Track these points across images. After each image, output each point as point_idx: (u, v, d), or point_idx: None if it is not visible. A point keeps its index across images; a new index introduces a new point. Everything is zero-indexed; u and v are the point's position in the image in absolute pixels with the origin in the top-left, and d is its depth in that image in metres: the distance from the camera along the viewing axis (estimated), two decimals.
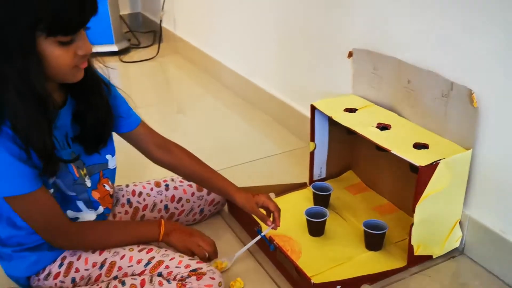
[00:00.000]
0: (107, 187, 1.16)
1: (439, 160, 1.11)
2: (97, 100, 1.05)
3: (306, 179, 1.56)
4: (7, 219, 1.04)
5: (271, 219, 1.22)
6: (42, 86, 0.89)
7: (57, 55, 0.89)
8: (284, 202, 1.44)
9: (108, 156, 1.14)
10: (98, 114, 1.06)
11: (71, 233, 1.04)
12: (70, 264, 1.08)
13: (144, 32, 3.27)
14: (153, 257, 1.07)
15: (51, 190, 1.01)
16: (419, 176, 1.10)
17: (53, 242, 1.04)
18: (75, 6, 0.86)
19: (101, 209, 1.13)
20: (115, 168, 1.18)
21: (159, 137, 1.23)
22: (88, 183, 1.11)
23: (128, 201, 1.28)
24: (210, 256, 1.15)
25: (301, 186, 1.55)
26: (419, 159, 1.11)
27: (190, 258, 1.09)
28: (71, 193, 1.06)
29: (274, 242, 1.21)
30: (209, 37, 2.57)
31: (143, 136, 1.20)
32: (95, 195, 1.13)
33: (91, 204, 1.11)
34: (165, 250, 1.10)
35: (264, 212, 1.23)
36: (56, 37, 0.87)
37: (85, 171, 1.09)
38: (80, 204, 1.09)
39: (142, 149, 1.22)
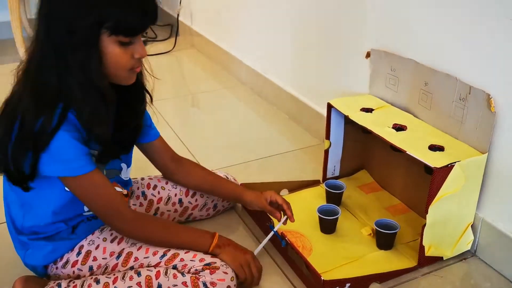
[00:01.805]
0: (118, 189, 1.18)
1: (455, 162, 1.11)
2: (139, 107, 1.12)
3: (319, 177, 1.58)
4: (26, 207, 1.07)
5: (286, 210, 1.24)
6: (101, 79, 0.95)
7: (117, 53, 0.95)
8: (297, 199, 1.46)
9: (123, 165, 1.18)
10: (137, 121, 1.13)
11: (130, 218, 1.07)
12: (88, 253, 1.11)
13: (161, 26, 3.30)
14: (169, 250, 1.09)
15: None
16: (434, 178, 1.11)
17: (113, 224, 1.07)
18: (138, 13, 0.93)
19: None
20: (128, 180, 1.21)
21: (173, 152, 1.30)
22: None
23: (143, 193, 1.31)
24: (254, 280, 1.14)
25: (314, 183, 1.56)
26: (434, 160, 1.12)
27: (205, 252, 1.10)
28: None
29: (286, 238, 1.23)
30: (226, 33, 2.59)
31: (160, 149, 1.26)
32: None
33: None
34: None
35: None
36: (117, 37, 0.93)
37: (104, 173, 1.12)
38: None
39: (156, 161, 1.28)
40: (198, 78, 2.62)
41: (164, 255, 1.08)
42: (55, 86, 0.94)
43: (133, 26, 0.94)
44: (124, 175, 1.19)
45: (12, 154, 0.96)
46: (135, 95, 1.10)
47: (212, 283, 1.04)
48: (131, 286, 1.04)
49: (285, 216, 1.24)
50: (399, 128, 1.28)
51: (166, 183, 1.34)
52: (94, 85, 0.94)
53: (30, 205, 1.07)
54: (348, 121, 1.44)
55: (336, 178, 1.56)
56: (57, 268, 1.11)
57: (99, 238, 1.11)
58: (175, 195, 1.33)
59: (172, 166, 1.29)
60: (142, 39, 1.00)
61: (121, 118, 1.06)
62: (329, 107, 1.44)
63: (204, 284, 1.04)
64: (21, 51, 2.61)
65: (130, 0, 0.92)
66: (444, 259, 1.24)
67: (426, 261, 1.22)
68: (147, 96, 1.14)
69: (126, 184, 1.21)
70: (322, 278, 1.09)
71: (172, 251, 1.09)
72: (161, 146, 1.26)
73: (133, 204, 1.28)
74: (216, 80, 2.52)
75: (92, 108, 0.95)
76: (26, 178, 0.98)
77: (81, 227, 1.12)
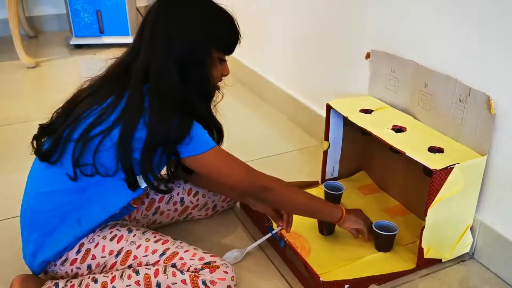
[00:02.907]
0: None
1: (454, 164, 1.11)
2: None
3: (318, 178, 1.57)
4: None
5: (283, 222, 1.24)
6: (209, 87, 1.10)
7: (217, 68, 1.10)
8: None
9: None
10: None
11: (276, 188, 1.13)
12: (88, 251, 1.10)
13: None
14: (168, 248, 1.09)
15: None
16: (433, 180, 1.10)
17: (261, 190, 1.12)
18: (237, 36, 1.12)
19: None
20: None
21: None
22: None
23: None
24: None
25: (313, 184, 1.56)
26: (434, 162, 1.12)
27: (205, 251, 1.10)
28: (143, 184, 1.10)
29: (285, 239, 1.22)
30: None
31: None
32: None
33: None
34: (180, 243, 1.12)
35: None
36: (219, 53, 1.09)
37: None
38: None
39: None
40: None
41: (163, 253, 1.08)
42: (180, 99, 1.03)
43: (233, 48, 1.12)
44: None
45: (143, 157, 1.01)
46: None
47: (212, 282, 1.04)
48: (130, 285, 1.03)
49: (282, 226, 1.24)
50: (398, 129, 1.28)
51: None
52: (206, 93, 1.10)
53: (92, 195, 1.07)
54: (347, 122, 1.44)
55: (335, 179, 1.56)
56: (55, 265, 1.11)
57: (99, 236, 1.11)
58: (177, 194, 1.33)
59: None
60: None
61: None
62: (328, 108, 1.44)
63: (204, 282, 1.04)
64: (19, 49, 2.61)
65: (235, 26, 1.11)
66: (442, 261, 1.24)
67: (424, 263, 1.22)
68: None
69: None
70: (321, 279, 1.09)
71: (172, 250, 1.08)
72: None
73: (133, 203, 1.27)
74: None
75: (207, 111, 1.12)
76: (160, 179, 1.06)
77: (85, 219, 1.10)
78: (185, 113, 1.03)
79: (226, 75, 1.14)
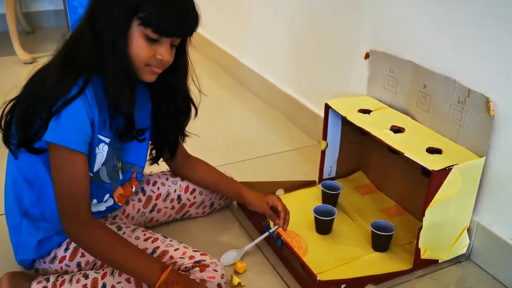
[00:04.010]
0: (133, 189, 1.21)
1: (452, 165, 1.11)
2: (182, 119, 1.18)
3: (315, 177, 1.57)
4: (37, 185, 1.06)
5: (280, 219, 1.23)
6: (126, 62, 0.97)
7: (139, 45, 0.97)
8: (292, 199, 1.45)
9: (144, 163, 1.21)
10: (176, 132, 1.20)
11: (84, 223, 0.99)
12: (76, 249, 1.09)
13: None
14: (158, 247, 1.08)
15: (90, 175, 1.03)
16: (431, 181, 1.10)
17: (65, 222, 0.99)
18: (174, 17, 0.95)
19: (110, 201, 1.16)
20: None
21: (185, 150, 1.32)
22: (120, 176, 1.15)
23: (142, 189, 1.30)
24: None
25: (310, 183, 1.56)
26: (432, 163, 1.12)
27: (194, 249, 1.10)
28: (107, 180, 1.09)
29: (282, 238, 1.22)
30: (223, 32, 2.58)
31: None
32: (118, 191, 1.16)
33: (108, 198, 1.14)
34: (170, 241, 1.11)
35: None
36: (146, 29, 0.95)
37: (119, 164, 1.14)
38: (106, 197, 1.13)
39: (168, 159, 1.30)
40: (193, 76, 2.60)
41: (153, 252, 1.08)
42: (84, 59, 0.96)
43: (163, 26, 0.95)
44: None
45: (24, 116, 0.97)
46: (181, 106, 1.15)
47: (203, 281, 1.03)
48: (120, 282, 1.03)
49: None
50: (397, 130, 1.28)
51: (166, 179, 1.33)
52: (121, 65, 0.97)
53: (42, 183, 1.05)
54: (345, 122, 1.44)
55: (332, 179, 1.55)
56: (44, 262, 1.10)
57: None
58: (175, 191, 1.32)
59: (181, 160, 1.31)
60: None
61: (162, 127, 1.16)
62: (327, 107, 1.44)
63: None
64: (16, 45, 2.59)
65: (171, 2, 0.95)
66: (439, 262, 1.24)
67: (421, 264, 1.22)
68: (193, 110, 1.18)
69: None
70: (318, 278, 1.08)
71: (162, 248, 1.08)
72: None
73: (131, 200, 1.27)
74: (213, 79, 2.51)
75: (119, 86, 0.98)
76: (30, 140, 0.98)
77: None
78: (81, 89, 0.94)
79: (161, 60, 0.99)
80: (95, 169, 1.05)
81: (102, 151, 1.04)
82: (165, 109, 1.14)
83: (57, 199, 0.99)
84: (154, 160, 1.25)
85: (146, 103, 1.14)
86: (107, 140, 1.04)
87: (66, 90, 0.93)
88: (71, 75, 0.95)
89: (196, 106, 1.19)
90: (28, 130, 0.96)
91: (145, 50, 0.97)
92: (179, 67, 1.09)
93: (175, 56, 1.03)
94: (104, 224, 1.08)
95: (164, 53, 0.98)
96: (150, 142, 1.21)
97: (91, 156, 1.02)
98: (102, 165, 1.06)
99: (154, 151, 1.24)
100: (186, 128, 1.23)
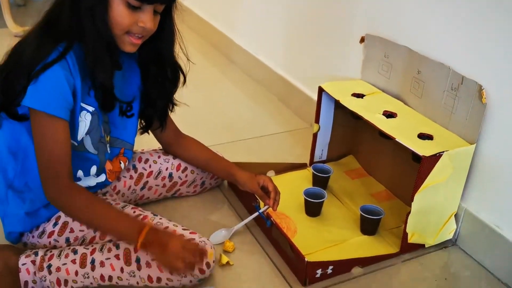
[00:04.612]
0: (122, 166, 1.20)
1: (443, 152, 1.12)
2: (171, 87, 1.16)
3: (306, 160, 1.58)
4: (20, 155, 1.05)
5: (270, 199, 1.24)
6: (106, 29, 0.95)
7: (120, 12, 0.95)
8: (283, 181, 1.46)
9: (133, 139, 1.20)
10: (165, 100, 1.18)
11: (64, 185, 0.99)
12: (65, 224, 1.09)
13: None
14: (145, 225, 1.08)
15: (75, 144, 1.03)
16: (422, 166, 1.11)
17: (45, 185, 0.99)
18: None
19: (102, 177, 1.15)
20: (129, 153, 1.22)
21: (177, 128, 1.31)
22: (108, 149, 1.14)
23: (134, 166, 1.29)
24: (197, 264, 1.01)
25: (301, 166, 1.56)
26: (423, 149, 1.12)
27: (184, 228, 1.10)
28: (94, 151, 1.08)
29: (271, 219, 1.23)
30: (218, 11, 2.55)
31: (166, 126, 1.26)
32: (107, 166, 1.16)
33: (100, 171, 1.13)
34: (160, 218, 1.11)
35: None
36: None
37: (108, 138, 1.13)
38: (93, 169, 1.12)
39: (159, 136, 1.29)
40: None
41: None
42: (64, 25, 0.94)
43: None
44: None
45: (4, 81, 0.96)
46: (169, 74, 1.14)
47: None
48: (109, 258, 1.03)
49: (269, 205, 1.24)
50: (389, 115, 1.28)
51: (158, 157, 1.33)
52: (100, 32, 0.95)
53: (25, 153, 1.04)
54: (338, 106, 1.44)
55: (323, 162, 1.56)
56: (33, 237, 1.10)
57: None
58: (166, 169, 1.32)
59: (173, 140, 1.31)
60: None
61: (150, 95, 1.13)
62: (320, 91, 1.44)
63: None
64: (7, 17, 2.54)
65: None
66: (425, 246, 1.25)
67: (408, 248, 1.23)
68: (181, 78, 1.17)
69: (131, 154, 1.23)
70: (306, 259, 1.09)
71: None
72: (167, 122, 1.26)
73: (123, 176, 1.27)
74: (206, 58, 2.49)
75: (97, 53, 0.96)
76: (12, 106, 0.98)
77: None
78: (61, 54, 0.93)
79: (143, 28, 0.97)
80: (78, 138, 1.04)
81: (84, 119, 1.03)
82: (153, 78, 1.13)
83: (38, 164, 0.98)
84: (145, 130, 1.24)
85: (134, 76, 1.13)
86: (91, 108, 1.03)
87: (44, 54, 0.93)
88: (50, 41, 0.94)
89: (185, 73, 1.18)
90: (9, 95, 0.96)
91: (127, 18, 0.95)
92: (165, 35, 1.07)
93: (161, 23, 1.01)
94: (84, 188, 1.06)
95: (147, 20, 0.96)
96: (139, 112, 1.19)
97: (73, 124, 1.01)
98: (86, 134, 1.05)
99: (143, 121, 1.22)
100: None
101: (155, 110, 1.19)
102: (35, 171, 1.02)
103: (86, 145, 1.07)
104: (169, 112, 1.24)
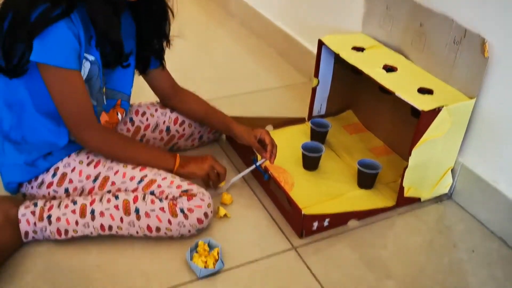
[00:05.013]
0: (119, 117, 1.19)
1: (442, 106, 1.11)
2: (161, 22, 1.15)
3: (305, 114, 1.57)
4: (16, 108, 1.04)
5: (267, 152, 1.24)
6: None
7: None
8: (281, 135, 1.46)
9: (130, 90, 1.20)
10: (160, 36, 1.17)
11: (98, 128, 1.07)
12: (64, 175, 1.10)
13: None
14: (146, 175, 1.09)
15: None
16: (420, 121, 1.11)
17: (78, 132, 1.05)
18: None
19: None
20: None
21: (174, 81, 1.30)
22: (105, 101, 1.13)
23: (131, 119, 1.28)
24: (221, 177, 1.20)
25: (299, 120, 1.56)
26: (422, 103, 1.12)
27: (182, 179, 1.11)
28: (93, 102, 1.08)
29: (269, 172, 1.23)
30: None
31: (163, 78, 1.27)
32: (103, 117, 1.15)
33: None
34: (158, 170, 1.12)
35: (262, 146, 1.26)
36: None
37: (104, 89, 1.12)
38: None
39: (156, 87, 1.29)
40: (184, 7, 2.52)
41: (141, 180, 1.08)
42: None
43: None
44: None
45: (3, 44, 0.95)
46: (157, 10, 1.13)
47: (189, 209, 1.05)
48: (108, 209, 1.04)
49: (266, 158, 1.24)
50: (389, 69, 1.27)
51: (156, 110, 1.32)
52: None
53: (21, 105, 1.04)
54: (338, 60, 1.42)
55: (322, 117, 1.55)
56: (32, 187, 1.11)
57: (75, 160, 1.10)
58: (164, 122, 1.31)
59: (170, 92, 1.30)
60: None
61: (144, 35, 1.13)
62: (320, 44, 1.41)
63: (182, 210, 1.05)
64: None
65: None
66: (421, 200, 1.27)
67: (404, 202, 1.24)
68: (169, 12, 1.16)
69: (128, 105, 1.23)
70: (303, 212, 1.11)
71: (150, 177, 1.08)
72: (164, 72, 1.26)
73: (119, 129, 1.26)
74: (204, 10, 2.43)
75: (107, 13, 0.97)
76: (14, 68, 0.97)
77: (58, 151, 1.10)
78: (65, 11, 0.92)
79: None
80: None
81: (84, 67, 1.02)
82: (144, 18, 1.12)
83: (65, 115, 1.02)
84: (142, 71, 1.23)
85: (128, 26, 1.11)
86: (91, 57, 1.02)
87: (46, 9, 0.91)
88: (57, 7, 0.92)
89: (171, 8, 1.17)
90: (12, 59, 0.95)
91: None
92: None
93: None
94: (104, 126, 1.13)
95: None
96: (136, 55, 1.18)
97: None
98: (85, 82, 1.04)
99: (141, 63, 1.21)
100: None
101: (152, 49, 1.18)
102: (32, 125, 1.03)
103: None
104: (165, 49, 1.22)
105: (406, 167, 1.17)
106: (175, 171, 1.14)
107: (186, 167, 1.15)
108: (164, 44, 1.20)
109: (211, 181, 1.20)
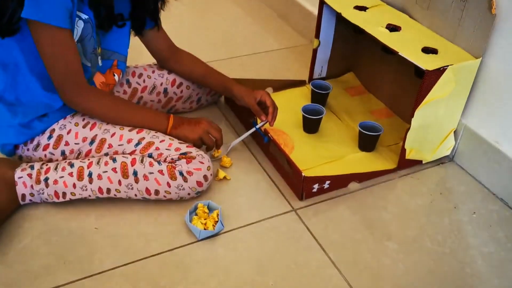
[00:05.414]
0: (116, 78, 1.17)
1: (447, 66, 1.08)
2: None
3: (305, 77, 1.54)
4: (10, 68, 1.02)
5: (269, 114, 1.22)
6: None
7: None
8: (281, 98, 1.43)
9: (126, 50, 1.17)
10: (149, 2, 1.13)
11: (87, 89, 1.04)
12: (60, 137, 1.08)
13: None
14: (144, 138, 1.07)
15: None
16: (424, 81, 1.08)
17: (67, 94, 1.03)
18: None
19: None
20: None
21: (172, 42, 1.27)
22: (99, 62, 1.11)
23: (128, 81, 1.26)
24: (217, 142, 1.16)
25: (300, 83, 1.53)
26: (426, 63, 1.09)
27: (181, 142, 1.09)
28: (86, 62, 1.06)
29: (269, 135, 1.21)
30: None
31: (159, 36, 1.24)
32: (99, 78, 1.12)
33: (88, 83, 1.10)
34: (155, 132, 1.10)
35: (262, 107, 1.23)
36: None
37: (99, 50, 1.09)
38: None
39: (152, 48, 1.26)
40: None
41: (139, 143, 1.06)
42: None
43: None
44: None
45: None
46: None
47: (189, 172, 1.04)
48: (106, 171, 1.03)
49: (266, 121, 1.22)
50: (392, 28, 1.23)
51: (153, 72, 1.29)
52: None
53: (15, 66, 1.02)
54: (339, 20, 1.38)
55: (323, 79, 1.52)
56: (28, 150, 1.09)
57: (70, 122, 1.08)
58: (161, 84, 1.29)
59: (168, 53, 1.27)
60: None
61: None
62: (321, 3, 1.37)
63: (181, 173, 1.03)
64: None
65: None
66: (423, 162, 1.25)
67: (405, 164, 1.23)
68: None
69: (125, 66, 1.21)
70: (303, 174, 1.09)
71: (147, 139, 1.07)
72: (161, 34, 1.24)
73: (116, 91, 1.24)
74: None
75: None
76: (5, 26, 0.94)
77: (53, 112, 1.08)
78: None
79: None
80: None
81: (77, 27, 0.99)
82: None
83: (54, 74, 1.00)
84: (138, 31, 1.20)
85: None
86: (84, 16, 0.99)
87: None
88: None
89: None
90: (3, 16, 0.92)
91: None
92: None
93: None
94: (96, 87, 1.11)
95: None
96: (130, 14, 1.14)
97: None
98: (77, 42, 1.02)
99: (136, 23, 1.18)
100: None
101: (146, 9, 1.14)
102: (27, 86, 1.01)
103: (80, 52, 1.04)
104: (160, 10, 1.19)
105: (408, 129, 1.15)
106: (168, 132, 1.11)
107: (179, 128, 1.12)
108: (159, 4, 1.16)
109: (206, 146, 1.16)
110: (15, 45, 0.99)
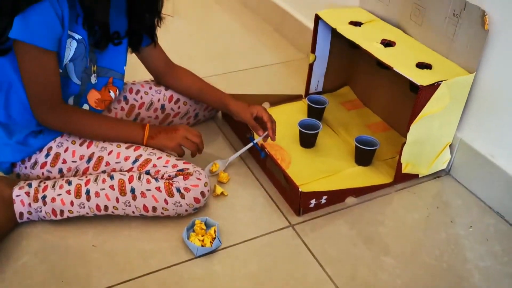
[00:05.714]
0: (112, 95, 1.17)
1: (441, 81, 1.09)
2: (153, 2, 1.12)
3: (302, 91, 1.55)
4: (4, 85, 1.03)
5: (264, 130, 1.22)
6: None
7: None
8: (278, 112, 1.44)
9: (124, 68, 1.18)
10: (148, 16, 1.13)
11: (60, 109, 1.04)
12: (57, 155, 1.08)
13: None
14: (141, 155, 1.07)
15: (59, 70, 1.01)
16: (419, 96, 1.09)
17: (41, 114, 1.03)
18: None
19: (86, 107, 1.13)
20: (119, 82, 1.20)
21: (168, 58, 1.28)
22: (93, 79, 1.11)
23: (125, 98, 1.26)
24: (199, 147, 1.15)
25: (296, 97, 1.54)
26: (421, 78, 1.10)
27: (177, 158, 1.09)
28: (76, 81, 1.06)
29: (265, 150, 1.22)
30: None
31: (156, 53, 1.24)
32: (94, 95, 1.13)
33: (78, 100, 1.11)
34: (152, 149, 1.10)
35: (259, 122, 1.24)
36: None
37: (95, 68, 1.10)
38: (70, 100, 1.10)
39: (149, 64, 1.27)
40: None
41: (136, 160, 1.07)
42: None
43: None
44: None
45: None
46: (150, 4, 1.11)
47: (186, 189, 1.04)
48: (104, 189, 1.03)
49: (266, 132, 1.22)
50: (387, 43, 1.24)
51: (150, 88, 1.30)
52: None
53: (9, 85, 1.02)
54: (335, 35, 1.39)
55: (319, 93, 1.54)
56: (25, 168, 1.09)
57: (67, 140, 1.09)
58: (158, 100, 1.30)
59: (164, 70, 1.28)
60: None
61: (136, 9, 1.10)
62: (317, 18, 1.38)
63: (178, 189, 1.04)
64: None
65: None
66: (419, 176, 1.26)
67: (401, 178, 1.24)
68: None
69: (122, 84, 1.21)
70: (300, 189, 1.10)
71: (144, 157, 1.07)
72: (157, 50, 1.25)
73: (114, 108, 1.24)
74: None
75: None
76: None
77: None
78: None
79: None
80: (63, 64, 1.02)
81: (70, 47, 1.00)
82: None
83: (30, 93, 1.00)
84: (134, 48, 1.20)
85: (120, 4, 1.09)
86: (77, 36, 1.00)
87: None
88: None
89: None
90: None
91: None
92: None
93: None
94: (72, 105, 1.10)
95: None
96: (127, 31, 1.15)
97: (59, 51, 0.99)
98: (69, 61, 1.02)
99: (133, 40, 1.18)
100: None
101: (143, 26, 1.16)
102: (20, 103, 1.02)
103: (69, 73, 1.05)
104: (157, 27, 1.19)
105: (404, 143, 1.16)
106: (145, 143, 1.11)
107: (157, 138, 1.11)
108: (156, 21, 1.17)
109: (191, 151, 1.14)
110: (7, 64, 1.00)
